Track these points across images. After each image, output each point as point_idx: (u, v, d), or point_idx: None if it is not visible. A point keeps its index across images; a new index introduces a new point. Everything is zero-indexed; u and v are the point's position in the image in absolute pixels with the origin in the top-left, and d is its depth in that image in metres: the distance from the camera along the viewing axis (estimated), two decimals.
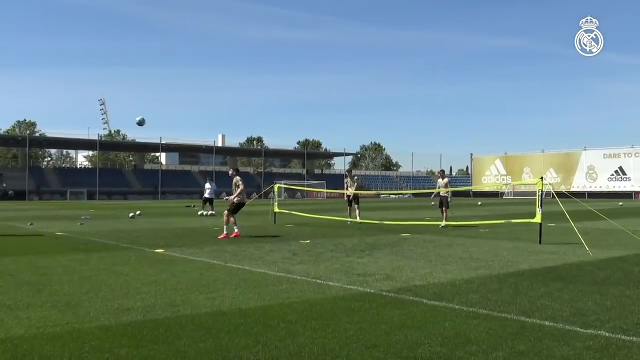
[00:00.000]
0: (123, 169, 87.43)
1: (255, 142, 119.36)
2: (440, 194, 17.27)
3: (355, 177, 19.83)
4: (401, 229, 15.81)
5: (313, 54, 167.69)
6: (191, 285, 6.88)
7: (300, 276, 7.47)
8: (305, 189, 35.68)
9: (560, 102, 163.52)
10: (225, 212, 13.33)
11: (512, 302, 5.83)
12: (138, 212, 24.80)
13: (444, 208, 17.06)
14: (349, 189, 18.95)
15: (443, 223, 16.43)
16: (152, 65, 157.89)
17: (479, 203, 39.27)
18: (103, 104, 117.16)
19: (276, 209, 19.25)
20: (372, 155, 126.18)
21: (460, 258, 9.38)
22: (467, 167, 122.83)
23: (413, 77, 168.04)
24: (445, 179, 17.54)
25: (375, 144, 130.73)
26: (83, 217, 23.02)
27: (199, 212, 24.45)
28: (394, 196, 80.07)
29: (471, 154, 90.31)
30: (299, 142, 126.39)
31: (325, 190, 43.33)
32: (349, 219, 18.39)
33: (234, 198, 13.27)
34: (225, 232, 13.14)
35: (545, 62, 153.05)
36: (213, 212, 24.44)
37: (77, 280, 7.27)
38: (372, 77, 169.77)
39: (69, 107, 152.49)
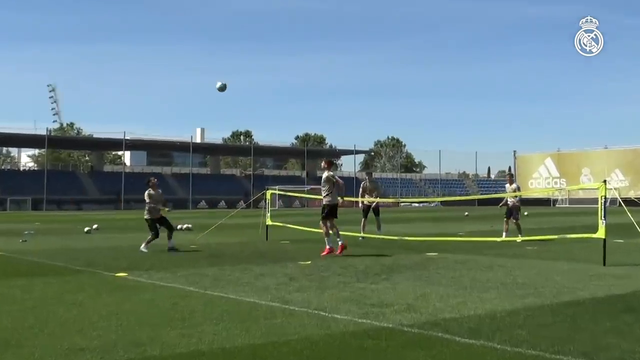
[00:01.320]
0: (77, 172, 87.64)
1: (242, 138, 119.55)
2: (508, 201, 18.33)
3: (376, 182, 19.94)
4: (427, 246, 15.75)
5: (315, 27, 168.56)
6: (161, 318, 6.84)
7: (299, 307, 7.43)
8: (306, 196, 35.57)
9: (627, 87, 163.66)
10: (321, 222, 13.64)
11: (570, 340, 5.78)
12: (95, 226, 24.82)
13: (512, 220, 18.01)
14: (366, 195, 19.04)
15: (519, 238, 16.98)
16: (112, 41, 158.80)
17: (525, 213, 39.17)
18: (53, 90, 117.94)
19: (269, 222, 19.24)
20: (390, 153, 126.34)
21: (502, 283, 9.33)
22: (509, 168, 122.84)
23: (440, 55, 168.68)
24: (514, 184, 18.90)
25: (393, 139, 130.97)
26: (26, 232, 23.05)
27: None
28: (417, 204, 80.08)
29: (514, 151, 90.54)
30: (297, 138, 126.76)
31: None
32: (362, 234, 18.37)
33: (325, 199, 13.64)
34: (327, 246, 13.40)
35: (608, 34, 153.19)
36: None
37: (17, 312, 7.25)
38: (389, 56, 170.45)
39: (9, 96, 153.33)
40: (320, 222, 13.77)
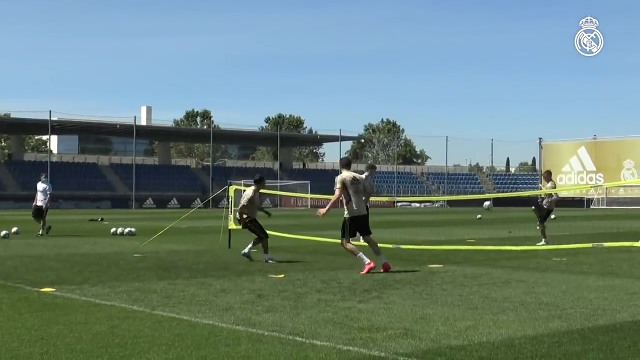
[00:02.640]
0: None
1: (199, 120, 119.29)
2: (544, 201, 19.58)
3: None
4: (429, 256, 15.83)
5: None
6: (97, 344, 6.85)
7: (269, 331, 7.47)
8: (279, 192, 35.57)
9: None
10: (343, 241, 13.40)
11: None
12: (15, 230, 24.65)
13: (539, 222, 19.27)
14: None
15: (541, 244, 17.98)
16: None
17: (552, 216, 39.47)
18: None
19: (232, 225, 19.23)
20: (384, 140, 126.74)
21: (522, 303, 9.42)
22: (532, 160, 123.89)
23: (447, 15, 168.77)
24: (551, 182, 20.09)
25: (388, 122, 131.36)
26: None
27: (38, 233, 24.04)
28: (417, 204, 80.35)
29: (540, 139, 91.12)
30: (268, 120, 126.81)
31: (309, 195, 43.48)
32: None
33: (327, 209, 13.50)
34: (367, 264, 12.71)
35: None
36: (46, 229, 24.17)
37: None
38: (384, 14, 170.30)
39: None
40: (342, 243, 13.40)
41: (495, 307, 9.04)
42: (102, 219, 37.89)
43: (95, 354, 6.44)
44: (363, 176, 14.80)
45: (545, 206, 19.38)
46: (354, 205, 13.24)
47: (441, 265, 14.05)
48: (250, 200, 15.43)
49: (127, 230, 24.48)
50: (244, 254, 15.15)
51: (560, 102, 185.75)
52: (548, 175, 20.39)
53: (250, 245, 15.35)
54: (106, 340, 7.05)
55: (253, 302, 9.40)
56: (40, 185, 25.34)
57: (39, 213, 24.82)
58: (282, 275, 12.37)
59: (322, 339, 7.06)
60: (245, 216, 15.46)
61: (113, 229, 25.15)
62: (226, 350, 6.62)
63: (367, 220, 13.57)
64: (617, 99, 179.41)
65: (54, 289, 10.62)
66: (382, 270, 12.76)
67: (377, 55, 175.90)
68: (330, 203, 13.46)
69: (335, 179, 13.41)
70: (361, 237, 18.49)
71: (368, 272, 12.63)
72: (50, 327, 7.72)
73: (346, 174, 13.43)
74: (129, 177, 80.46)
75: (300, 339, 7.09)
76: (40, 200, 25.01)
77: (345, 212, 13.30)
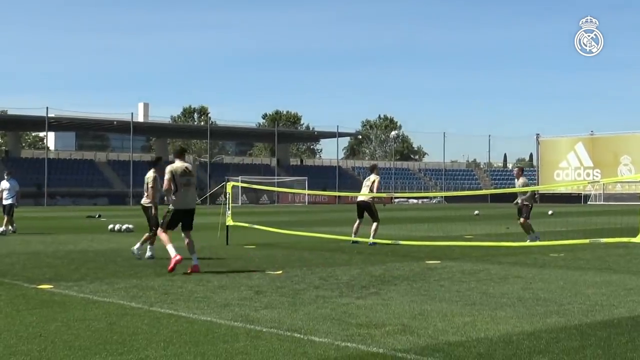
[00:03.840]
0: None
1: (196, 116, 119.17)
2: (514, 201, 19.51)
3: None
4: (427, 253, 15.84)
5: None
6: (95, 341, 6.86)
7: (267, 327, 7.48)
8: (276, 189, 35.64)
9: None
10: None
11: None
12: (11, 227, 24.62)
13: (521, 219, 18.76)
14: (364, 189, 19.27)
15: (527, 242, 17.58)
16: None
17: (550, 212, 39.51)
18: None
19: (230, 222, 19.23)
20: (382, 136, 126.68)
21: (520, 299, 9.44)
22: (530, 156, 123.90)
23: (445, 11, 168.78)
24: (522, 179, 19.58)
25: (385, 119, 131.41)
26: None
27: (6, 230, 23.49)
28: (415, 200, 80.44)
29: (537, 134, 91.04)
30: (265, 116, 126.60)
31: (307, 191, 43.44)
32: (353, 238, 18.51)
33: None
34: (173, 257, 12.31)
35: None
36: (13, 228, 23.66)
37: None
38: (380, 10, 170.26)
39: None
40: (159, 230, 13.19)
41: (493, 303, 9.06)
42: (99, 216, 37.82)
43: (93, 351, 6.44)
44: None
45: (517, 204, 19.14)
46: (180, 198, 12.80)
47: (439, 261, 14.06)
48: (153, 187, 14.94)
49: (124, 227, 24.44)
50: (145, 256, 14.57)
51: (557, 98, 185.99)
52: (519, 172, 20.13)
53: (137, 244, 14.93)
54: (104, 336, 7.05)
55: (251, 299, 9.41)
56: (5, 184, 24.47)
57: (6, 211, 23.82)
58: (280, 272, 12.37)
59: (321, 335, 7.07)
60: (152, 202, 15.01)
61: (110, 226, 25.12)
62: (224, 346, 6.63)
63: (192, 216, 13.11)
64: (614, 95, 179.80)
65: (51, 286, 10.61)
66: (189, 271, 12.15)
67: (374, 51, 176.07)
68: (154, 194, 13.31)
69: (165, 169, 12.88)
70: (357, 229, 18.55)
71: (174, 265, 12.13)
72: (48, 324, 7.72)
73: (178, 165, 12.88)
74: (126, 173, 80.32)
75: (299, 335, 7.10)
76: (6, 198, 23.97)
77: (171, 205, 12.90)
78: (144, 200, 15.39)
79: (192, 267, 12.34)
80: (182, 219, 13.02)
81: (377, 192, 19.40)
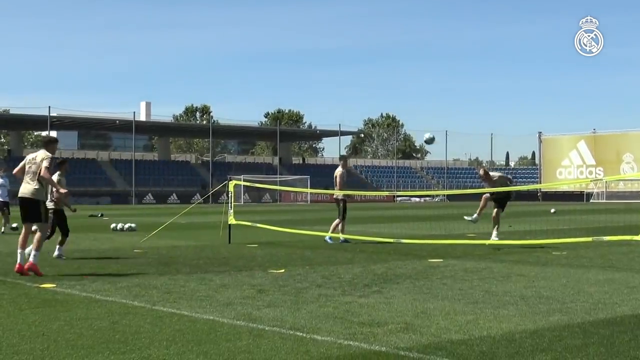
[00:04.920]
0: None
1: (198, 115, 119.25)
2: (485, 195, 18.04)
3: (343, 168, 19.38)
4: (429, 251, 15.84)
5: None
6: (98, 339, 6.85)
7: (270, 326, 7.47)
8: (279, 188, 35.63)
9: None
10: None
11: None
12: (14, 225, 24.62)
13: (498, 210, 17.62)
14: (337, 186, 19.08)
15: (491, 241, 16.89)
16: None
17: (553, 210, 39.47)
18: None
19: (232, 220, 19.24)
20: (384, 135, 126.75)
21: (522, 297, 9.42)
22: (532, 154, 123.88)
23: (447, 8, 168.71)
24: (494, 173, 18.34)
25: (388, 117, 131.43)
26: None
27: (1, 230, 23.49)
28: (417, 199, 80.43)
29: (539, 133, 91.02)
30: (267, 115, 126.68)
31: (309, 190, 43.47)
32: (342, 235, 18.48)
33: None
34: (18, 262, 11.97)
35: None
36: (10, 225, 23.70)
37: None
38: (382, 8, 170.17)
39: None
40: None
41: (495, 301, 9.04)
42: (102, 215, 37.84)
43: (96, 350, 6.44)
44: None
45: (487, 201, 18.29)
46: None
47: (441, 260, 14.05)
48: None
49: (127, 225, 24.46)
50: (57, 256, 14.56)
51: (559, 96, 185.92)
52: (486, 174, 18.25)
53: (58, 246, 14.87)
54: (107, 336, 7.05)
55: (254, 297, 9.40)
56: (0, 180, 24.44)
57: (2, 208, 24.03)
58: (282, 271, 12.37)
59: (323, 334, 7.06)
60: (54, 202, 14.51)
61: (113, 225, 25.14)
62: (227, 345, 6.62)
63: (30, 205, 12.72)
64: (616, 93, 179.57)
65: (54, 285, 10.61)
66: (16, 269, 11.88)
67: (376, 49, 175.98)
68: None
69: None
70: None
71: (18, 271, 11.85)
72: (50, 323, 7.71)
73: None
74: (129, 172, 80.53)
75: (301, 333, 7.09)
76: (1, 196, 24.16)
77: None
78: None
79: (26, 266, 11.95)
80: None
81: (339, 188, 19.04)
